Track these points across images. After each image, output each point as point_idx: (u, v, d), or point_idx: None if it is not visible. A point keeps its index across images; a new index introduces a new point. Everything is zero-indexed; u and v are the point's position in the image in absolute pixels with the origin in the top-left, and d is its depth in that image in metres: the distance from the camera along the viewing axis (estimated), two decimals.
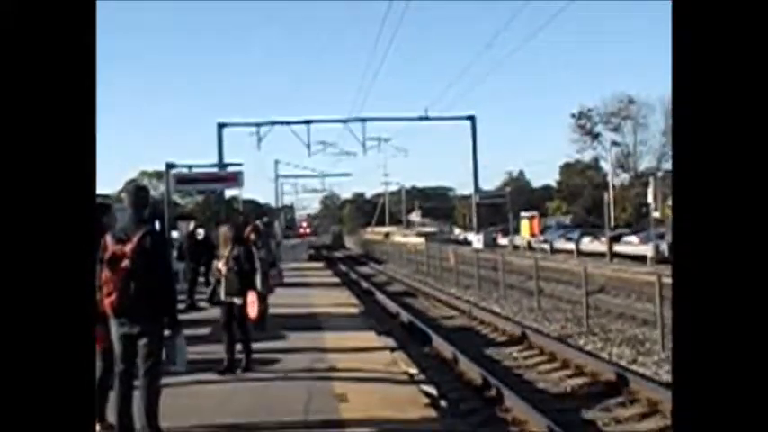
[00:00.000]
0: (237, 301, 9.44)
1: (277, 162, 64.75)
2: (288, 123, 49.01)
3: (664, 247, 32.87)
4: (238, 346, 9.59)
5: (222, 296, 9.57)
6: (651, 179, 37.52)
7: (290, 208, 78.59)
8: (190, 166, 27.15)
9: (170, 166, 26.05)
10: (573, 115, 75.37)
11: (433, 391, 9.17)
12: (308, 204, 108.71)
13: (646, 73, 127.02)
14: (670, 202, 39.32)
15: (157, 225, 18.35)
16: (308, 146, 49.71)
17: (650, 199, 35.02)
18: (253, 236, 11.86)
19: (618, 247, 39.51)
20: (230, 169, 28.15)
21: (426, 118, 49.33)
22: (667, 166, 68.37)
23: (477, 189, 55.30)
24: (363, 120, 49.25)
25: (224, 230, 10.01)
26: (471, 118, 52.20)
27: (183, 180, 27.01)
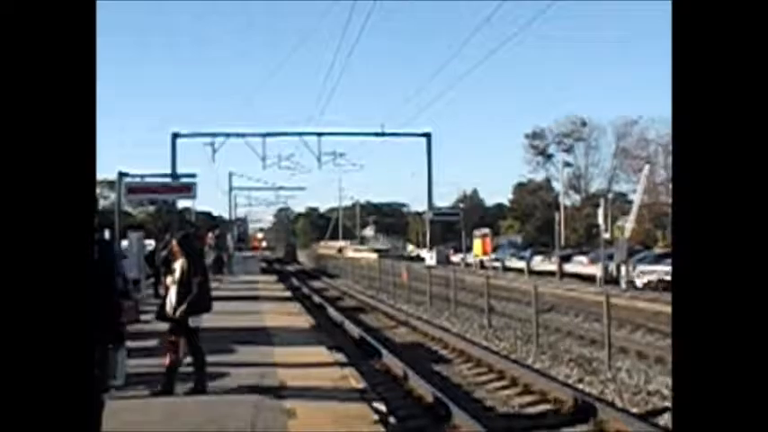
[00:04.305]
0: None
1: (231, 174, 64.24)
2: (243, 135, 48.72)
3: (612, 267, 33.38)
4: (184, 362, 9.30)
5: (169, 311, 9.10)
6: (602, 200, 38.16)
7: (243, 220, 77.93)
8: (142, 176, 26.82)
9: (122, 174, 25.68)
10: (527, 135, 76.52)
11: (382, 407, 9.15)
12: (262, 217, 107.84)
13: (598, 96, 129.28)
14: (619, 223, 40.04)
15: (107, 235, 18.10)
16: (263, 159, 49.50)
17: (600, 220, 35.59)
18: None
19: (568, 267, 40.04)
20: (184, 180, 27.85)
21: (383, 134, 49.51)
22: (617, 187, 69.76)
23: (431, 206, 55.61)
24: (319, 134, 49.22)
25: (173, 243, 9.66)
26: (427, 135, 52.56)
27: (134, 190, 26.65)
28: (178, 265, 9.16)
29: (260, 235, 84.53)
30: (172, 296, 9.10)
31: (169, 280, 9.27)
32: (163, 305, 9.32)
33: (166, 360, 9.12)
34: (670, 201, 59.78)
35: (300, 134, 49.16)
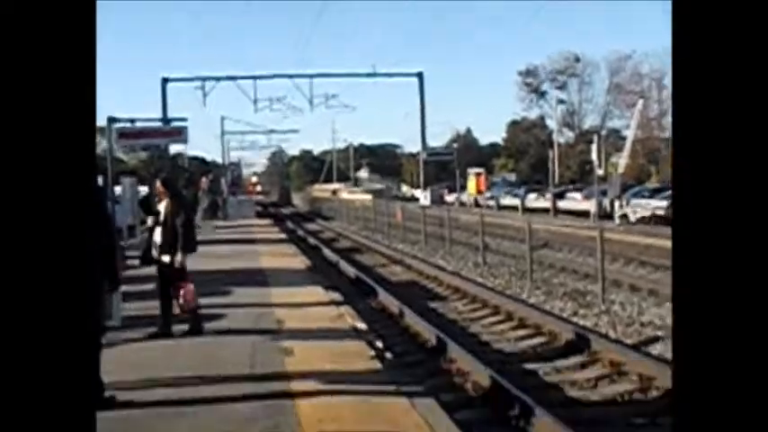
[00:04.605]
0: (165, 259, 8.98)
1: (223, 118, 63.62)
2: (234, 78, 48.11)
3: (605, 203, 33.51)
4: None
5: (155, 255, 9.10)
6: (595, 137, 38.01)
7: (237, 165, 77.54)
8: (132, 120, 26.53)
9: (112, 120, 25.40)
10: (520, 72, 75.83)
11: (378, 343, 9.26)
12: (255, 161, 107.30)
13: (592, 32, 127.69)
14: (613, 160, 40.06)
15: (100, 180, 18.02)
16: (255, 102, 48.95)
17: (594, 156, 35.53)
18: None
19: (562, 204, 40.24)
20: (175, 124, 27.57)
21: (374, 74, 48.99)
22: (611, 124, 69.53)
23: (424, 146, 55.30)
24: (311, 76, 48.64)
25: (157, 184, 9.56)
26: (419, 75, 51.98)
27: (125, 135, 26.34)
28: (162, 206, 9.08)
29: (254, 179, 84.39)
30: (156, 238, 9.09)
31: (150, 221, 9.20)
32: (147, 248, 9.29)
33: (180, 302, 9.16)
34: (663, 136, 59.67)
35: (291, 76, 48.52)
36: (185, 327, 9.20)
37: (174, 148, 46.24)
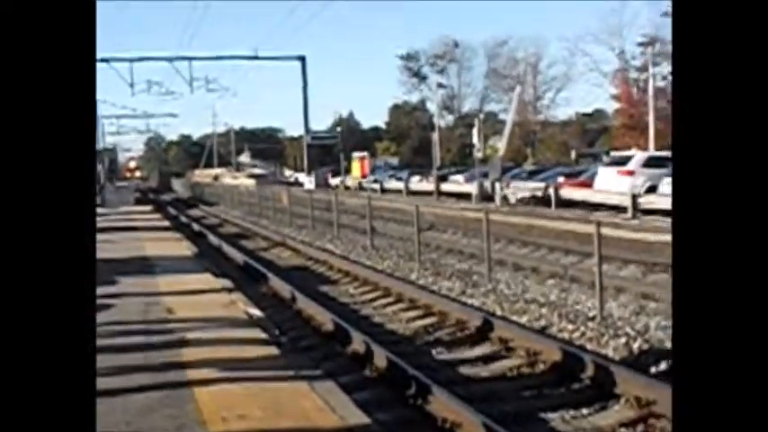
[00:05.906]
0: None
1: (97, 101, 61.32)
2: (108, 61, 46.49)
3: (487, 185, 34.46)
4: None
5: None
6: (476, 120, 38.90)
7: (113, 150, 74.99)
8: None
9: None
10: (401, 57, 76.75)
11: (273, 329, 9.23)
12: (132, 146, 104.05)
13: (470, 17, 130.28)
14: (491, 143, 41.20)
15: None
16: (132, 85, 47.59)
17: (475, 140, 36.38)
18: None
19: (445, 186, 41.09)
20: None
21: (256, 57, 48.46)
22: (489, 107, 71.53)
23: (307, 130, 55.22)
24: (190, 58, 47.65)
25: None
26: (302, 58, 51.78)
27: None
28: None
29: (133, 164, 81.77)
30: None
31: None
32: None
33: None
34: (537, 119, 61.67)
35: (170, 59, 47.45)
36: None
37: None
